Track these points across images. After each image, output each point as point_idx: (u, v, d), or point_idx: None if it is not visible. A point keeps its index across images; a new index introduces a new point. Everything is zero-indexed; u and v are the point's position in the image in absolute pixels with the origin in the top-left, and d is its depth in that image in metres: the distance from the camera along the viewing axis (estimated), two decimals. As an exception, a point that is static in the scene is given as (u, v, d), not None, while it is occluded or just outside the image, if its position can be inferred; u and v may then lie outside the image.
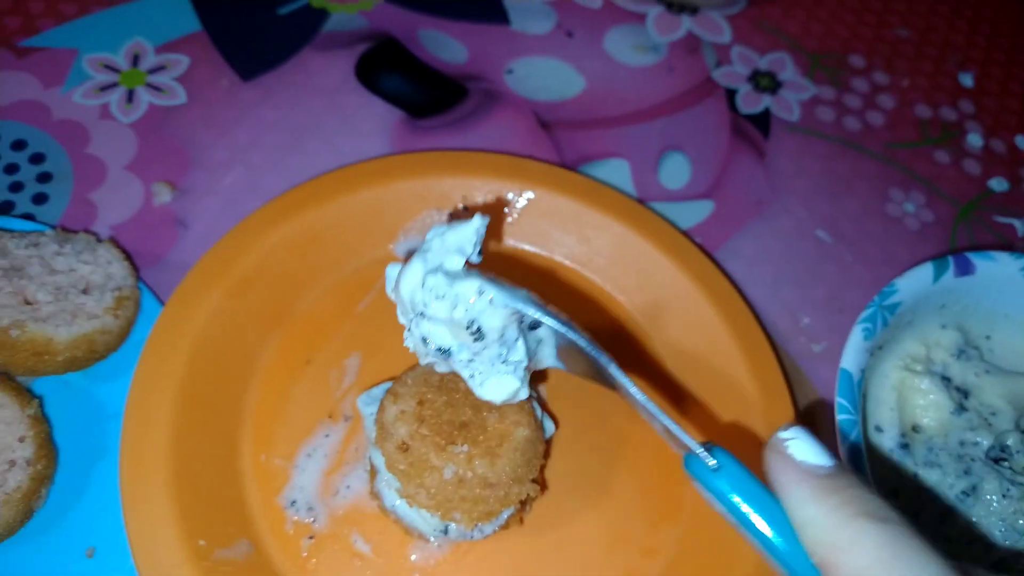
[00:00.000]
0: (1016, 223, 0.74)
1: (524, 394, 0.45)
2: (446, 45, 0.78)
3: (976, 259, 0.58)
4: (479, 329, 0.42)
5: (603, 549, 0.54)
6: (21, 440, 0.50)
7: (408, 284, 0.44)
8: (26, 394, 0.52)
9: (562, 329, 0.42)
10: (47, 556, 0.50)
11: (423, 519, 0.49)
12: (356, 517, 0.53)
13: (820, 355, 0.65)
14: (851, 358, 0.53)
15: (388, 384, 0.51)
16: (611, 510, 0.55)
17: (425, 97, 0.74)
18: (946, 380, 0.58)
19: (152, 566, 0.47)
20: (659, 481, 0.57)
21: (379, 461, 0.49)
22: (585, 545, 0.54)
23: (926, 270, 0.57)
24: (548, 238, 0.65)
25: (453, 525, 0.49)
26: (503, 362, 0.44)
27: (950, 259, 0.58)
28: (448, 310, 0.43)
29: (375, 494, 0.52)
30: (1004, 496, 0.53)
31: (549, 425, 0.53)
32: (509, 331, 0.43)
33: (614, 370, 0.40)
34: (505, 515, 0.50)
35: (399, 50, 0.76)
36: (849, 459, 0.49)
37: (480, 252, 0.44)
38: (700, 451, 0.36)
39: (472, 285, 0.42)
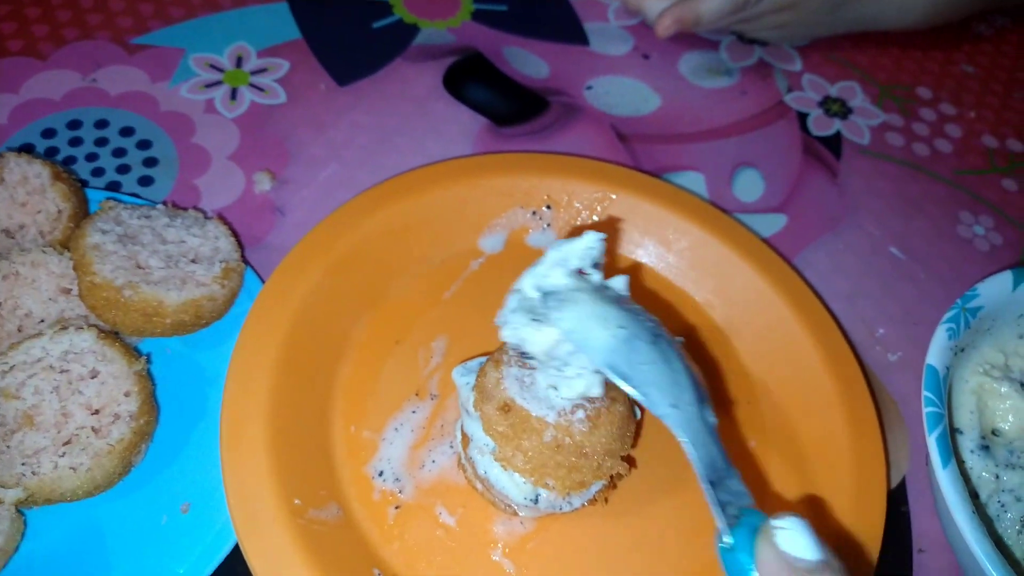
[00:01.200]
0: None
1: (595, 392, 0.47)
2: (528, 61, 0.81)
3: (1058, 271, 0.59)
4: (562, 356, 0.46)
5: (683, 539, 0.54)
6: (127, 395, 0.52)
7: (527, 284, 0.47)
8: (134, 352, 0.54)
9: (635, 395, 0.43)
10: (143, 509, 0.51)
11: (515, 485, 0.50)
12: (441, 490, 0.54)
13: (896, 364, 0.65)
14: (936, 355, 0.54)
15: (483, 359, 0.52)
16: (694, 501, 0.56)
17: (508, 107, 0.77)
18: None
19: (248, 520, 0.48)
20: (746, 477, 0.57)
21: (473, 428, 0.50)
22: (666, 532, 0.54)
23: (1006, 277, 0.58)
24: (629, 239, 0.67)
25: (544, 493, 0.49)
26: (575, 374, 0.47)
27: (1031, 268, 0.59)
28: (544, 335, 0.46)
29: (466, 463, 0.53)
30: (1092, 501, 0.53)
31: (636, 410, 0.54)
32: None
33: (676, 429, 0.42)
34: (594, 489, 0.51)
35: (485, 63, 0.80)
36: (939, 450, 0.50)
37: (597, 266, 0.47)
38: (722, 525, 0.38)
39: (554, 333, 0.46)
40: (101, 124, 0.70)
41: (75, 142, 0.69)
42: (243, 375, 0.54)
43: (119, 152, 0.69)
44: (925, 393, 0.52)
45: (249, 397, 0.53)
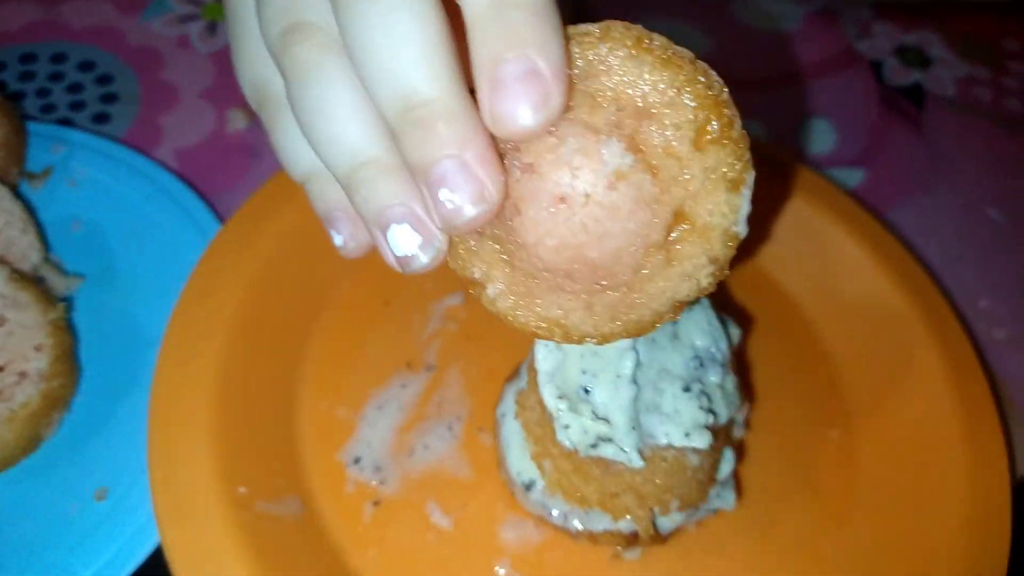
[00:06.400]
0: None
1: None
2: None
3: None
4: None
5: None
6: (37, 349, 0.41)
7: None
8: (51, 299, 0.43)
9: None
10: (49, 494, 0.40)
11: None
12: (435, 483, 0.42)
13: (1004, 342, 0.52)
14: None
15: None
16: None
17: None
18: None
19: (174, 509, 0.37)
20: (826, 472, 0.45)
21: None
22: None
23: None
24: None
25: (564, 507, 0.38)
26: None
27: None
28: None
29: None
30: None
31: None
32: None
33: None
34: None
35: None
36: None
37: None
38: None
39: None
40: (58, 58, 0.60)
41: (26, 76, 0.59)
42: (187, 332, 0.42)
43: (75, 88, 0.59)
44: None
45: (193, 359, 0.42)
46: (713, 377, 0.36)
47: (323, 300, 0.48)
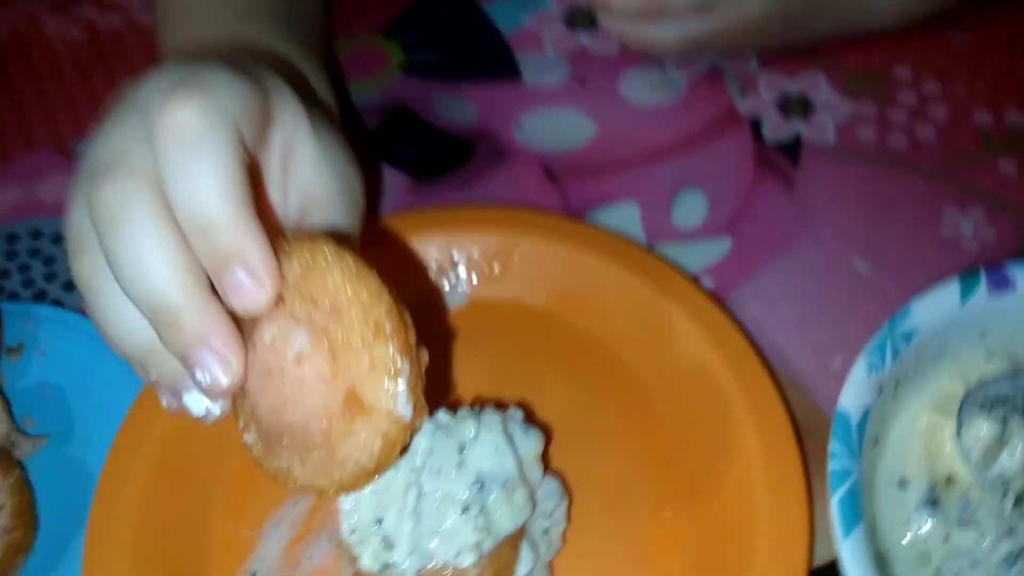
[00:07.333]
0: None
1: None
2: (456, 107, 0.77)
3: (1017, 272, 0.49)
4: None
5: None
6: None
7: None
8: (9, 462, 0.54)
9: None
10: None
11: None
12: (317, 589, 0.51)
13: (853, 401, 0.56)
14: (851, 397, 0.45)
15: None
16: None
17: (432, 160, 0.74)
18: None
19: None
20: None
21: None
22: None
23: (950, 289, 0.49)
24: (535, 285, 0.62)
25: None
26: None
27: (981, 273, 0.49)
28: None
29: None
30: (1066, 563, 0.43)
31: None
32: None
33: None
34: None
35: (409, 117, 0.77)
36: (841, 515, 0.41)
37: None
38: None
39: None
40: (35, 234, 0.73)
41: (11, 255, 0.71)
42: (116, 471, 0.53)
43: (49, 260, 0.71)
44: (832, 444, 0.44)
45: (119, 502, 0.52)
46: (494, 495, 0.43)
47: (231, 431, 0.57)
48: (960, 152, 0.68)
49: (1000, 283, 0.48)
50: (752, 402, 0.52)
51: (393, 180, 0.72)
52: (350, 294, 0.35)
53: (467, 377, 0.58)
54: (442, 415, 0.45)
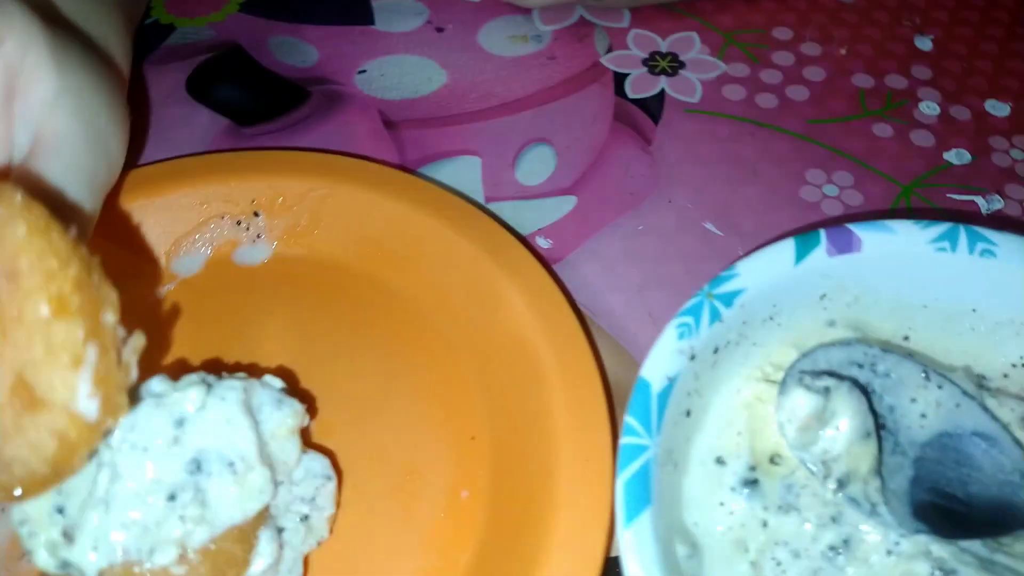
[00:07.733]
0: (979, 200, 0.57)
1: None
2: (296, 50, 0.69)
3: (863, 231, 0.43)
4: None
5: None
6: None
7: None
8: None
9: None
10: None
11: None
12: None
13: (689, 374, 0.49)
14: (655, 365, 0.38)
15: None
16: None
17: (257, 103, 0.65)
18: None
19: None
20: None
21: None
22: None
23: (783, 248, 0.42)
24: (341, 235, 0.54)
25: None
26: None
27: (821, 233, 0.43)
28: None
29: None
30: (890, 553, 0.36)
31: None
32: None
33: None
34: None
35: (240, 58, 0.69)
36: (626, 500, 0.34)
37: None
38: None
39: None
40: None
41: None
42: None
43: None
44: (627, 419, 0.37)
45: None
46: (215, 478, 0.35)
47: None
48: (833, 114, 0.63)
49: (843, 244, 0.42)
50: (566, 375, 0.45)
51: (212, 124, 0.64)
52: (33, 256, 0.27)
53: (248, 342, 0.50)
54: (157, 382, 0.36)
